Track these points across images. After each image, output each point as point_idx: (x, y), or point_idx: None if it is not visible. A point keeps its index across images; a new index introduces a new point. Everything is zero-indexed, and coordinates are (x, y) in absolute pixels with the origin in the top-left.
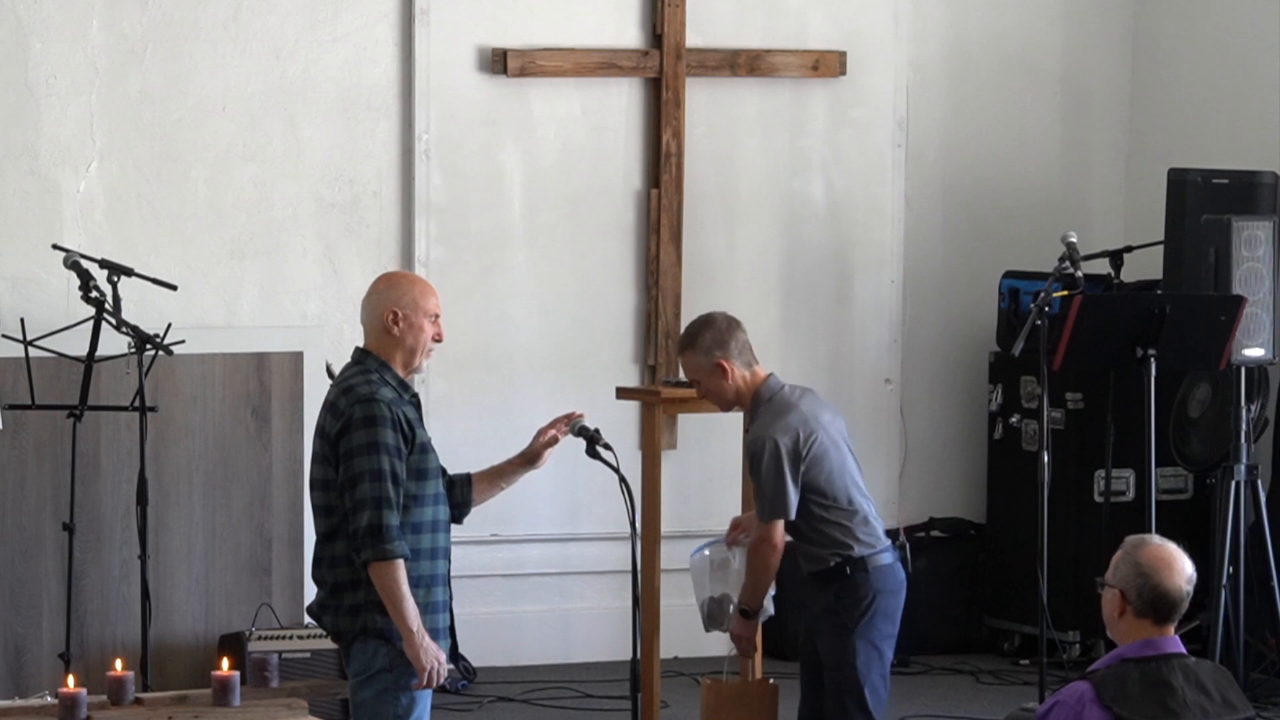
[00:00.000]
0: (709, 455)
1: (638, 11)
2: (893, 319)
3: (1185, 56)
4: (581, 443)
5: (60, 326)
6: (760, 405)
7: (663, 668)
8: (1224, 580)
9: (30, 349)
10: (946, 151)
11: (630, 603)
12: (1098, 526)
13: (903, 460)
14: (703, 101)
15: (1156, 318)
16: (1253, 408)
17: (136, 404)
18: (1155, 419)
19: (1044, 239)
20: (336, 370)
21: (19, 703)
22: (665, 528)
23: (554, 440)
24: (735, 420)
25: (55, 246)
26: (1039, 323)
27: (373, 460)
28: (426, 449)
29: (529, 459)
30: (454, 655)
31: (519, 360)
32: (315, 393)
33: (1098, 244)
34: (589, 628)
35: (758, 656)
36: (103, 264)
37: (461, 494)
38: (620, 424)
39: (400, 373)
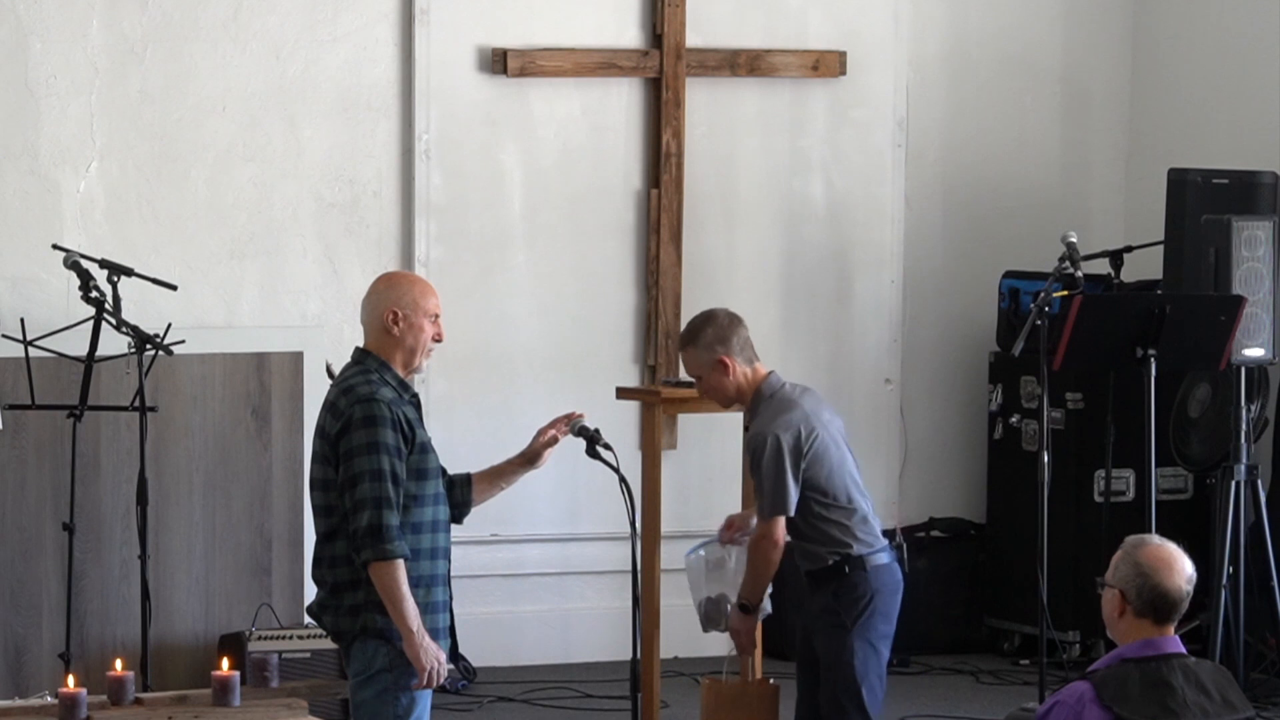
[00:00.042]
0: (709, 455)
1: (638, 11)
2: (893, 319)
3: (1185, 56)
4: (581, 443)
5: (60, 326)
6: (761, 402)
7: (663, 668)
8: (1224, 580)
9: (30, 349)
10: (946, 151)
11: (630, 603)
12: (1098, 526)
13: (903, 460)
14: (703, 101)
15: (1156, 318)
16: (1253, 408)
17: (136, 404)
18: (1155, 419)
19: (1044, 239)
20: (336, 370)
21: (19, 703)
22: (665, 528)
23: (554, 440)
24: (735, 420)
25: (55, 246)
26: (1039, 323)
27: (373, 460)
28: (426, 449)
29: (529, 459)
30: (454, 655)
31: (519, 360)
32: (315, 393)
33: (1098, 244)
34: (589, 628)
35: (758, 656)
36: (103, 264)
37: (461, 494)
38: (620, 424)
39: (400, 373)
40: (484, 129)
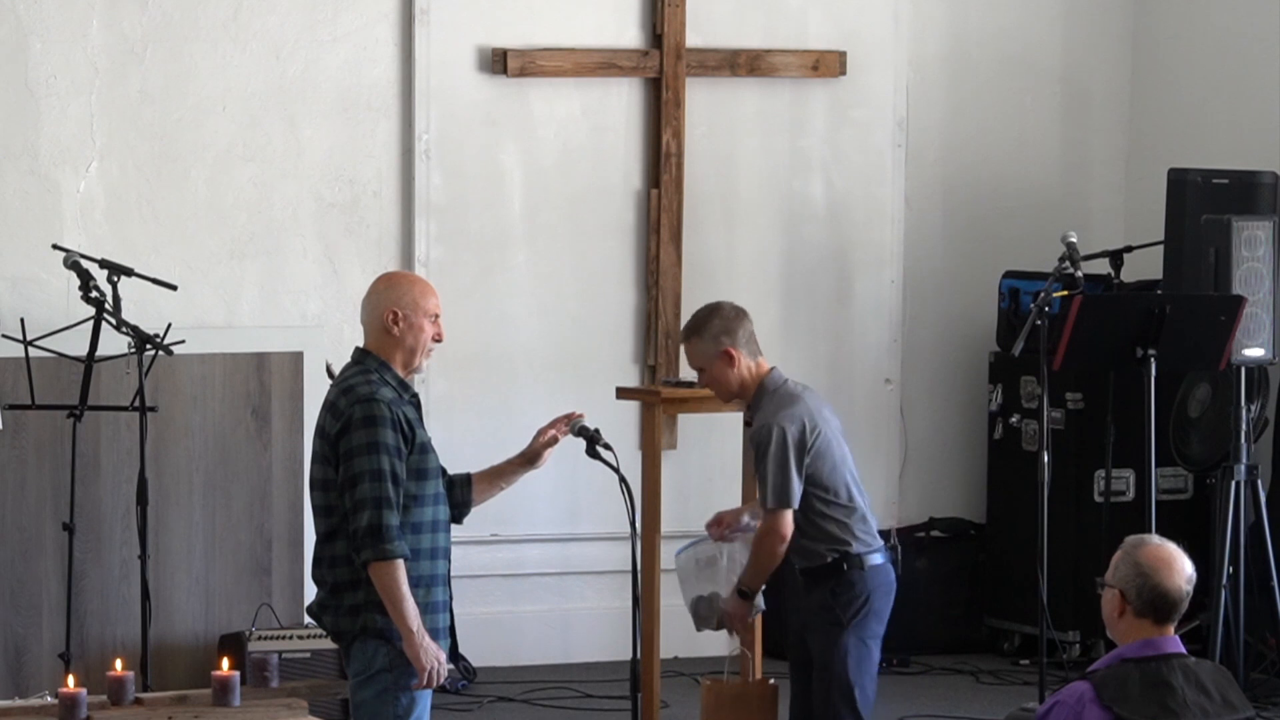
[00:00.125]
0: (709, 455)
1: (638, 11)
2: (893, 319)
3: (1185, 56)
4: (581, 443)
5: (60, 326)
6: (765, 396)
7: (663, 668)
8: (1224, 580)
9: (30, 349)
10: (946, 151)
11: (630, 603)
12: (1098, 526)
13: (903, 460)
14: (703, 101)
15: (1156, 318)
16: (1253, 408)
17: (136, 404)
18: (1155, 419)
19: (1044, 239)
20: (336, 370)
21: (19, 703)
22: (665, 528)
23: (554, 440)
24: (735, 420)
25: (55, 246)
26: (1039, 323)
27: (373, 460)
28: (426, 449)
29: (529, 459)
30: (454, 655)
31: (519, 360)
32: (315, 393)
33: (1098, 244)
34: (589, 628)
35: (758, 656)
36: (103, 264)
37: (461, 494)
38: (620, 424)
39: (400, 373)
40: (484, 129)
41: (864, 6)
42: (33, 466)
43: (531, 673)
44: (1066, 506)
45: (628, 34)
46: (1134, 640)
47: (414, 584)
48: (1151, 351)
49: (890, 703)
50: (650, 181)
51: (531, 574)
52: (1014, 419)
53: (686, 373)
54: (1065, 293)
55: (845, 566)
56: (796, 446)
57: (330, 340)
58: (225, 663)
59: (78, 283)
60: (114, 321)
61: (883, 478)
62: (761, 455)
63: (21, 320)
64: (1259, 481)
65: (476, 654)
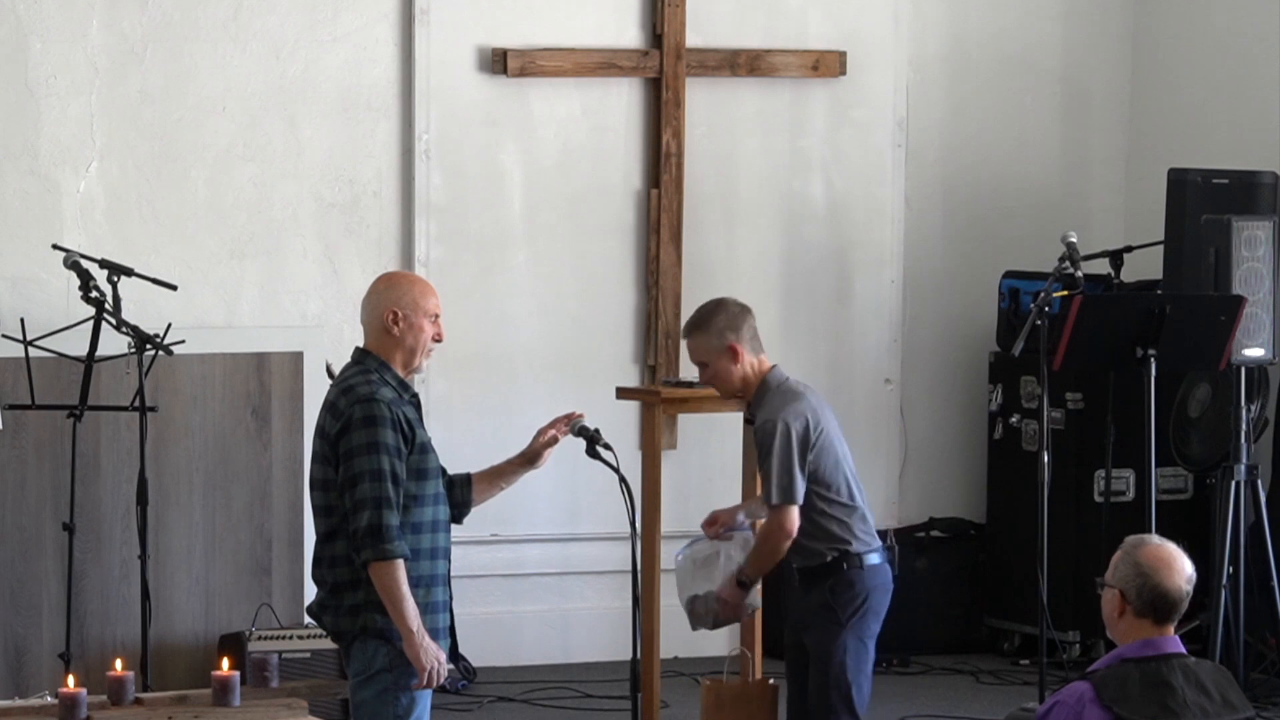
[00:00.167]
0: (709, 455)
1: (638, 11)
2: (893, 319)
3: (1185, 56)
4: (581, 443)
5: (60, 326)
6: (768, 392)
7: (663, 668)
8: (1224, 580)
9: (30, 349)
10: (946, 151)
11: (630, 603)
12: (1098, 526)
13: (903, 460)
14: (703, 101)
15: (1156, 318)
16: (1253, 408)
17: (136, 404)
18: (1155, 419)
19: (1044, 239)
20: (336, 370)
21: (19, 703)
22: (665, 528)
23: (554, 440)
24: (735, 420)
25: (55, 246)
26: (1039, 323)
27: (373, 460)
28: (426, 449)
29: (529, 459)
30: (454, 655)
31: (519, 360)
32: (315, 393)
33: (1098, 244)
34: (589, 628)
35: (758, 656)
36: (103, 264)
37: (461, 494)
38: (620, 424)
39: (400, 373)
40: (484, 129)
41: (864, 6)
42: (33, 466)
43: (531, 673)
44: (1066, 506)
45: (628, 34)
46: (1134, 640)
47: (414, 584)
48: (1151, 351)
49: (890, 703)
50: (650, 181)
51: (531, 574)
52: (1014, 419)
53: (686, 373)
54: (1065, 293)
55: (845, 565)
56: (800, 442)
57: (330, 340)
58: (225, 663)
59: (78, 283)
60: (114, 321)
61: (883, 478)
62: (766, 451)
63: (21, 320)
64: (1259, 481)
65: (476, 654)
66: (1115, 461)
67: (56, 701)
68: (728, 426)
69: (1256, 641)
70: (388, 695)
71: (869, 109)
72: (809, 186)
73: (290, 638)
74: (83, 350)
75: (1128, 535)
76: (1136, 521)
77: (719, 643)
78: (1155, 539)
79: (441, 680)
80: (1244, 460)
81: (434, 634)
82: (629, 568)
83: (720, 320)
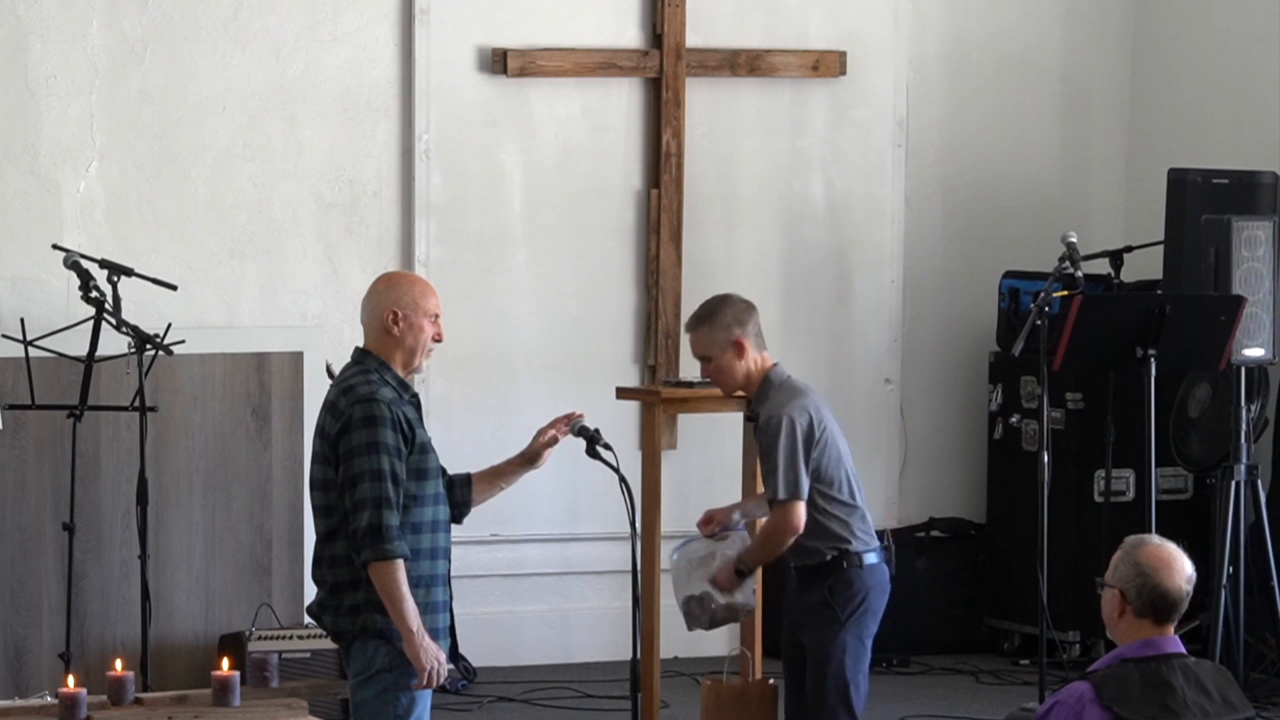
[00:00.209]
0: (709, 455)
1: (638, 11)
2: (893, 319)
3: (1185, 56)
4: (581, 443)
5: (60, 326)
6: (771, 389)
7: (663, 668)
8: (1224, 580)
9: (30, 349)
10: (946, 151)
11: (630, 603)
12: (1098, 526)
13: (903, 460)
14: (703, 101)
15: (1156, 318)
16: (1253, 408)
17: (136, 404)
18: (1155, 419)
19: (1044, 239)
20: (336, 370)
21: (19, 703)
22: (665, 528)
23: (554, 440)
24: (735, 420)
25: (55, 246)
26: (1039, 323)
27: (372, 460)
28: (426, 449)
29: (529, 459)
30: (454, 655)
31: (519, 360)
32: (315, 393)
33: (1098, 244)
34: (589, 628)
35: (757, 656)
36: (103, 264)
37: (461, 494)
38: (620, 424)
39: (400, 373)
40: (484, 129)
41: (864, 6)
42: (33, 466)
43: (531, 673)
44: (1066, 506)
45: (628, 34)
46: (1134, 640)
47: (414, 584)
48: (1151, 351)
49: (890, 703)
50: (650, 181)
51: (531, 574)
52: (1014, 419)
53: (686, 373)
54: (1065, 293)
55: (844, 565)
56: (805, 438)
57: (330, 340)
58: (225, 663)
59: (78, 283)
60: (114, 321)
61: (883, 478)
62: (771, 445)
63: (21, 320)
64: (1259, 481)
65: (476, 654)
66: (1115, 461)
67: (56, 701)
68: (728, 426)
69: (1256, 641)
70: (388, 695)
71: (869, 109)
72: (809, 186)
73: (290, 638)
74: (83, 350)
75: (1128, 535)
76: (1136, 521)
77: (719, 643)
78: (1155, 539)
79: (441, 680)
80: (1244, 460)
81: (434, 634)
82: (629, 568)
83: (728, 314)
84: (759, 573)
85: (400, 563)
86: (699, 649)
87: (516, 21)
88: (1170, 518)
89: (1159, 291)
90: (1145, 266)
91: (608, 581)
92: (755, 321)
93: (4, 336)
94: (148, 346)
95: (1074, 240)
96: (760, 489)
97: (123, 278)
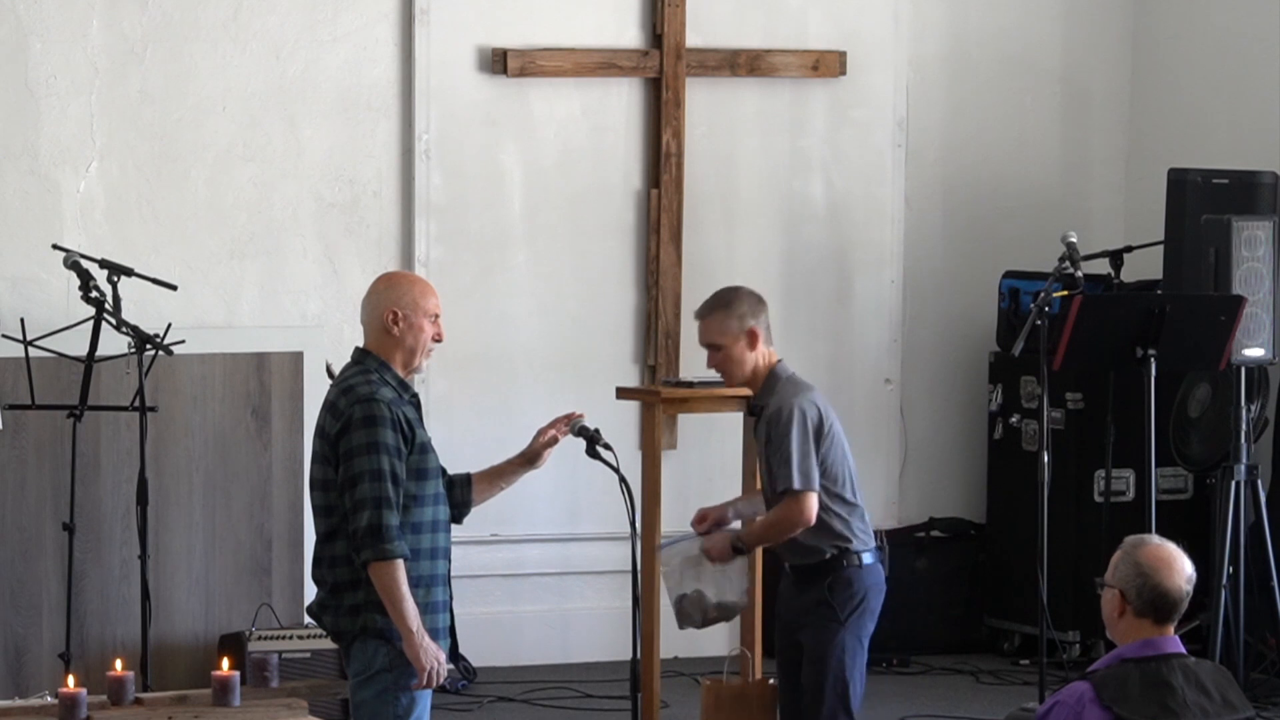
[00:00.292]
0: (709, 455)
1: (638, 11)
2: (893, 319)
3: (1185, 56)
4: (581, 443)
5: (60, 326)
6: (778, 382)
7: (663, 668)
8: (1224, 580)
9: (30, 349)
10: (946, 151)
11: (630, 603)
12: (1098, 526)
13: (903, 460)
14: (703, 101)
15: (1156, 318)
16: (1253, 408)
17: (136, 404)
18: (1155, 419)
19: (1044, 239)
20: (336, 370)
21: (19, 703)
22: (665, 528)
23: (554, 440)
24: (735, 420)
25: (55, 246)
26: (1039, 323)
27: (372, 460)
28: (426, 449)
29: (529, 459)
30: (454, 655)
31: (519, 360)
32: (315, 393)
33: (1098, 244)
34: (589, 628)
35: (757, 656)
36: (103, 264)
37: (461, 494)
38: (620, 424)
39: (400, 373)
40: (484, 129)
41: (864, 6)
42: (33, 466)
43: (531, 673)
44: (1066, 506)
45: (628, 34)
46: (1134, 640)
47: (414, 584)
48: (1151, 351)
49: (890, 703)
50: (650, 181)
51: (531, 574)
52: (1014, 419)
53: (686, 373)
54: (1065, 293)
55: (844, 564)
56: (815, 430)
57: (330, 340)
58: (225, 663)
59: (78, 283)
60: (114, 321)
61: (883, 478)
62: (783, 436)
63: (21, 320)
64: (1259, 481)
65: (476, 654)
66: (1115, 461)
67: (56, 701)
68: (728, 426)
69: (1256, 641)
70: (388, 695)
71: (869, 109)
72: (809, 186)
73: (290, 638)
74: (83, 350)
75: (1128, 535)
76: (1136, 521)
77: (719, 643)
78: (1155, 539)
79: (441, 680)
80: (1244, 460)
81: (434, 634)
82: (629, 568)
83: (743, 304)
84: (752, 571)
85: (400, 563)
86: (699, 649)
87: (516, 21)
88: (1170, 518)
89: (1159, 291)
90: (1145, 266)
91: (608, 581)
92: (766, 315)
93: (4, 336)
94: (148, 346)
95: (1074, 240)
96: (759, 487)
97: (123, 278)
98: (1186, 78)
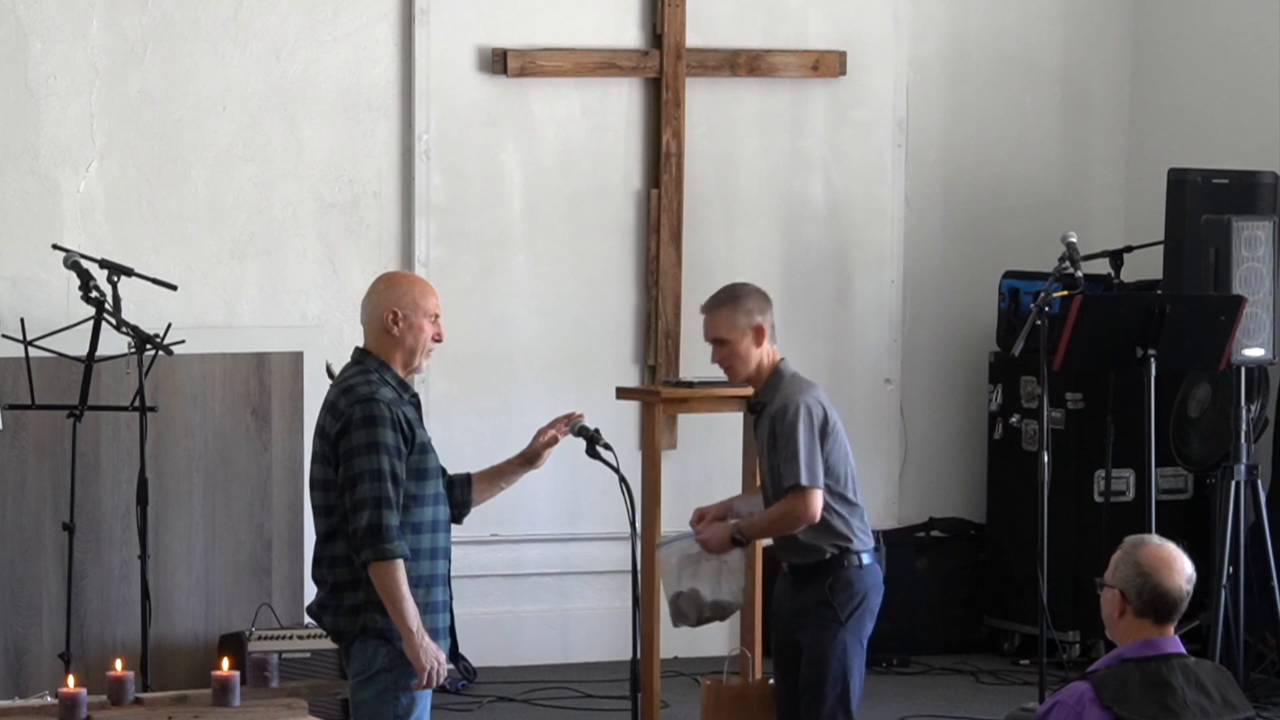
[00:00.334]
0: (709, 455)
1: (638, 11)
2: (893, 319)
3: (1185, 56)
4: (581, 443)
5: (60, 326)
6: (781, 380)
7: (663, 668)
8: (1224, 580)
9: (30, 349)
10: (946, 151)
11: (630, 603)
12: (1098, 526)
13: (903, 460)
14: (703, 101)
15: (1156, 318)
16: (1253, 408)
17: (136, 404)
18: (1155, 419)
19: (1044, 239)
20: (336, 370)
21: (19, 703)
22: (665, 528)
23: (554, 440)
24: (735, 420)
25: (55, 246)
26: (1039, 323)
27: (372, 460)
28: (426, 449)
29: (529, 459)
30: (454, 655)
31: (519, 360)
32: (315, 393)
33: (1098, 244)
34: (589, 628)
35: (757, 656)
36: (103, 264)
37: (461, 494)
38: (620, 424)
39: (400, 373)
40: (484, 129)
41: (864, 6)
42: (33, 466)
43: (531, 673)
44: (1066, 506)
45: (628, 34)
46: (1134, 640)
47: (414, 584)
48: (1151, 351)
49: (890, 703)
50: (650, 181)
51: (531, 574)
52: (1014, 419)
53: (686, 373)
54: (1065, 293)
55: (844, 563)
56: (820, 428)
57: (330, 340)
58: (225, 663)
59: (78, 283)
60: (114, 321)
61: (883, 478)
62: (790, 432)
63: (21, 320)
64: (1259, 481)
65: (476, 654)
66: (1115, 461)
67: (56, 701)
68: (728, 426)
69: (1256, 641)
70: (388, 695)
71: (869, 109)
72: (809, 186)
73: (290, 638)
74: (83, 350)
75: (1128, 535)
76: (1136, 521)
77: (719, 643)
78: (1155, 539)
79: (441, 680)
80: (1244, 460)
81: (434, 634)
82: (629, 568)
83: (751, 299)
84: (750, 571)
85: (400, 563)
86: (699, 649)
87: (516, 21)
88: (1170, 518)
89: (1159, 291)
90: (1145, 266)
91: (608, 581)
92: (772, 313)
93: (4, 336)
94: (148, 346)
95: (1074, 240)
96: (758, 486)
97: (123, 278)
98: (1186, 78)
